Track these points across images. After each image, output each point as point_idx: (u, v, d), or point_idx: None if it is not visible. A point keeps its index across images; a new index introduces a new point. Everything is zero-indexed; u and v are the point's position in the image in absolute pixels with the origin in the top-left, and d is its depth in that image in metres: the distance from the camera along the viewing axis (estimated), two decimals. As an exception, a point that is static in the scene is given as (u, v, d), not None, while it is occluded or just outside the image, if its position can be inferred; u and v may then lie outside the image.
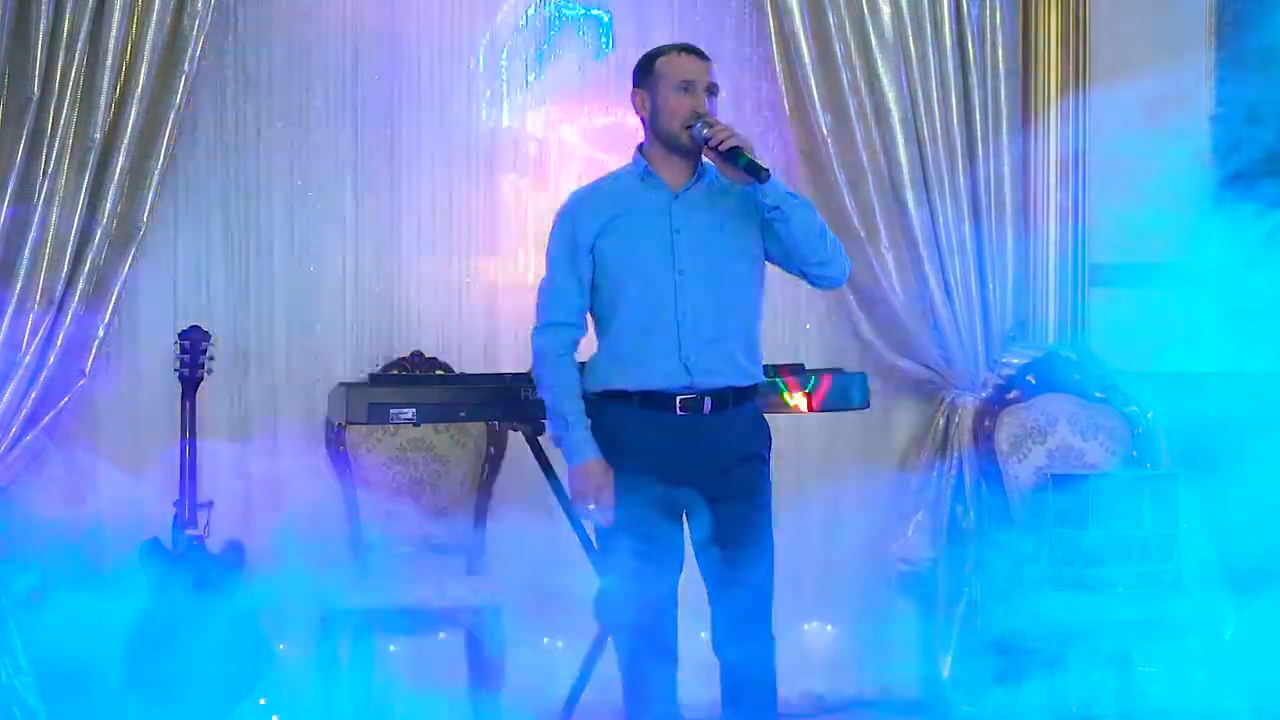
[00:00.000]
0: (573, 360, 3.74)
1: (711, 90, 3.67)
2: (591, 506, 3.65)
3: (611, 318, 3.71)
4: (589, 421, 3.68)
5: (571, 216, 3.76)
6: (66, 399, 4.68)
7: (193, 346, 4.70)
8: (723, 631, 3.71)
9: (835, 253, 3.68)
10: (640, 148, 3.75)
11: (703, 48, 3.77)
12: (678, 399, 3.62)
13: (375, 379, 4.44)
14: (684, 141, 3.63)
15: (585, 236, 3.70)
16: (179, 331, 4.74)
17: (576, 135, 5.21)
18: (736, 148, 3.52)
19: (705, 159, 3.66)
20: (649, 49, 3.80)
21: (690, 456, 3.63)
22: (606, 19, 5.18)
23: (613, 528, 3.66)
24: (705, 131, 3.56)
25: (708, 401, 3.64)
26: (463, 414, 4.31)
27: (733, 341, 3.66)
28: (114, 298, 4.71)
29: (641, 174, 3.71)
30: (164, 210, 4.89)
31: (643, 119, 3.73)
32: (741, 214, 3.65)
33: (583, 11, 5.19)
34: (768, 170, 3.52)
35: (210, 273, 5.00)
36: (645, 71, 3.71)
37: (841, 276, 3.76)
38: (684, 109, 3.61)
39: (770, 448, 3.78)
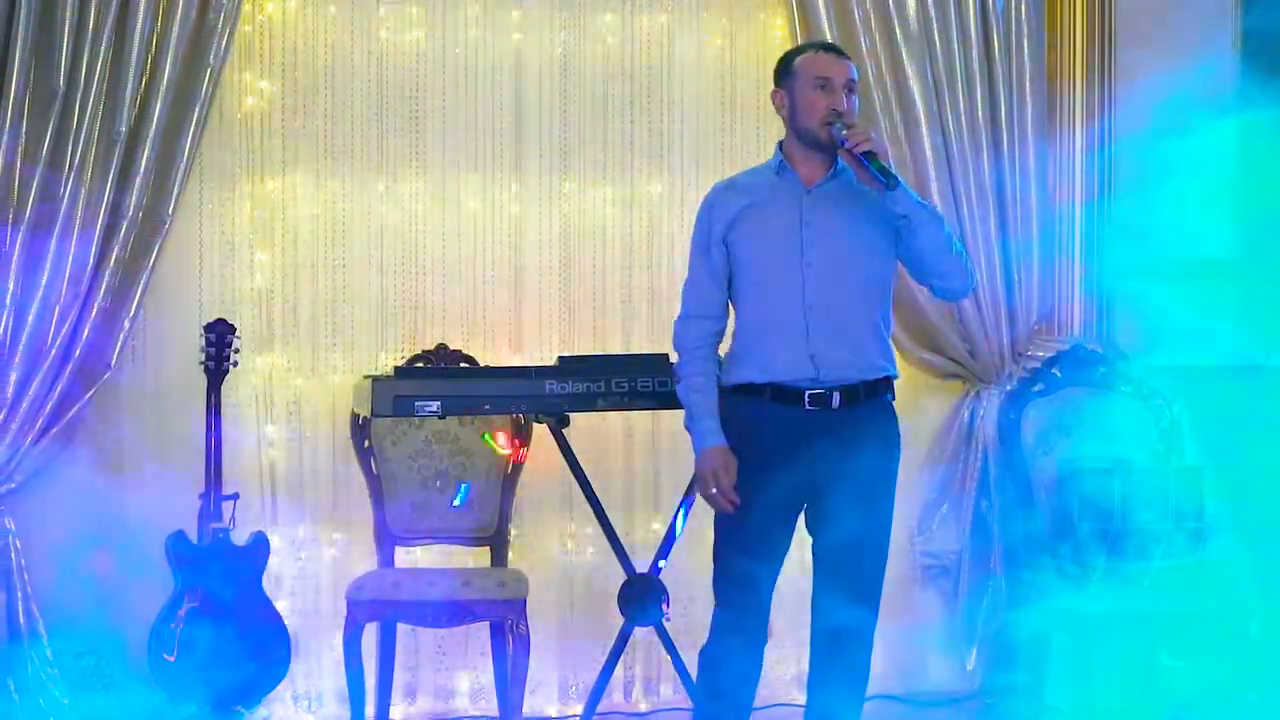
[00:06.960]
0: (708, 353, 3.80)
1: (849, 88, 3.69)
2: (713, 491, 3.68)
3: (742, 309, 3.76)
4: (716, 410, 3.72)
5: (708, 209, 3.81)
6: (92, 392, 4.70)
7: (218, 339, 4.72)
8: (822, 621, 3.79)
9: (958, 267, 3.70)
10: (780, 143, 3.80)
11: (840, 46, 3.82)
12: (806, 394, 3.64)
13: (400, 372, 4.44)
14: (823, 139, 3.66)
15: (719, 228, 3.76)
16: (204, 324, 4.75)
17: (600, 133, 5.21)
18: (871, 152, 3.55)
19: (840, 158, 3.68)
20: (790, 49, 3.83)
21: (819, 452, 3.64)
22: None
23: (726, 517, 3.70)
24: (843, 133, 3.59)
25: (836, 395, 3.65)
26: (487, 406, 4.32)
27: (860, 335, 3.67)
28: (139, 291, 4.73)
29: (777, 168, 3.76)
30: (189, 203, 4.90)
31: (783, 117, 3.77)
32: (875, 213, 3.66)
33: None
34: (897, 179, 3.56)
35: (236, 266, 5.01)
36: (784, 70, 3.76)
37: (962, 291, 3.77)
38: (821, 107, 3.66)
39: (899, 448, 3.79)
